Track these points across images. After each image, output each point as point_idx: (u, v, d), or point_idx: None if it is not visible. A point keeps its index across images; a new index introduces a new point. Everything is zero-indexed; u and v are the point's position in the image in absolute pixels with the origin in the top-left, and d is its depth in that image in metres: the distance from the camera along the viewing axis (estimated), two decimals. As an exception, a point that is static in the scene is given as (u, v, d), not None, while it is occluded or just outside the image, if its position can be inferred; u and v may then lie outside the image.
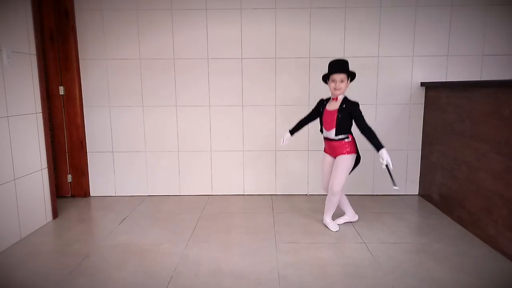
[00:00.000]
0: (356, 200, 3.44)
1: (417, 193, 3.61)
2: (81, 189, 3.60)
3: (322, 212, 2.97)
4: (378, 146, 2.52)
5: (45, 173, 2.95)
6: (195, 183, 3.66)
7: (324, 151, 2.82)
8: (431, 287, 2.03)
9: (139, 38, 3.43)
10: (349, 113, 2.60)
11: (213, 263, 2.30)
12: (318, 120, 2.80)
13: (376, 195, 3.61)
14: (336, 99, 2.65)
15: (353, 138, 2.68)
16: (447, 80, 3.41)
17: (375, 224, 2.88)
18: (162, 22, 3.41)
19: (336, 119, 2.60)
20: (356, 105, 2.61)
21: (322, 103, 2.76)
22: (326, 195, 2.81)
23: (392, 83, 3.46)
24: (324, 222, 2.82)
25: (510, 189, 2.29)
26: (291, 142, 3.48)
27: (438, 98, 3.23)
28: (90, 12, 3.39)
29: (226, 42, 3.43)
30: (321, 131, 2.77)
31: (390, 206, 3.30)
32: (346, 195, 2.85)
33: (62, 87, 3.43)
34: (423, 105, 3.47)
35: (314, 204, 3.30)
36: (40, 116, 2.89)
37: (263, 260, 2.33)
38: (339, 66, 2.61)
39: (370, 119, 3.45)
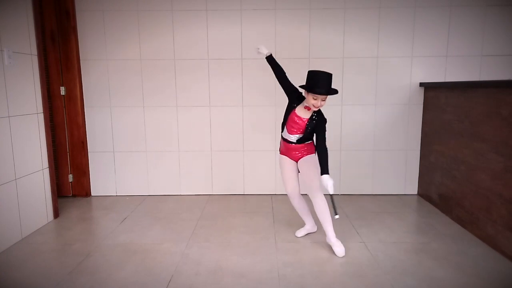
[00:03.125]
0: (355, 199, 3.47)
1: (416, 193, 3.63)
2: (82, 189, 3.62)
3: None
4: (325, 170, 2.33)
5: (46, 173, 2.96)
6: (195, 183, 3.68)
7: (281, 153, 2.60)
8: (430, 286, 2.04)
9: (140, 38, 3.45)
10: (317, 126, 2.42)
11: (213, 262, 2.31)
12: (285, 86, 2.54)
13: (375, 194, 3.62)
14: (310, 109, 2.41)
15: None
16: (446, 81, 3.42)
17: (374, 224, 2.89)
18: (163, 23, 3.43)
19: (305, 128, 2.42)
20: (325, 120, 2.43)
21: (294, 103, 2.48)
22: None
23: (391, 84, 3.48)
24: (329, 242, 2.49)
25: (508, 189, 2.30)
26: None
27: (437, 98, 3.25)
28: (91, 13, 3.40)
29: (227, 42, 3.45)
30: (282, 129, 2.53)
31: (389, 205, 3.32)
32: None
33: (63, 87, 3.45)
34: (422, 105, 3.49)
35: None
36: (41, 116, 2.90)
37: (263, 259, 2.34)
38: (327, 87, 2.32)
39: (369, 119, 3.51)
